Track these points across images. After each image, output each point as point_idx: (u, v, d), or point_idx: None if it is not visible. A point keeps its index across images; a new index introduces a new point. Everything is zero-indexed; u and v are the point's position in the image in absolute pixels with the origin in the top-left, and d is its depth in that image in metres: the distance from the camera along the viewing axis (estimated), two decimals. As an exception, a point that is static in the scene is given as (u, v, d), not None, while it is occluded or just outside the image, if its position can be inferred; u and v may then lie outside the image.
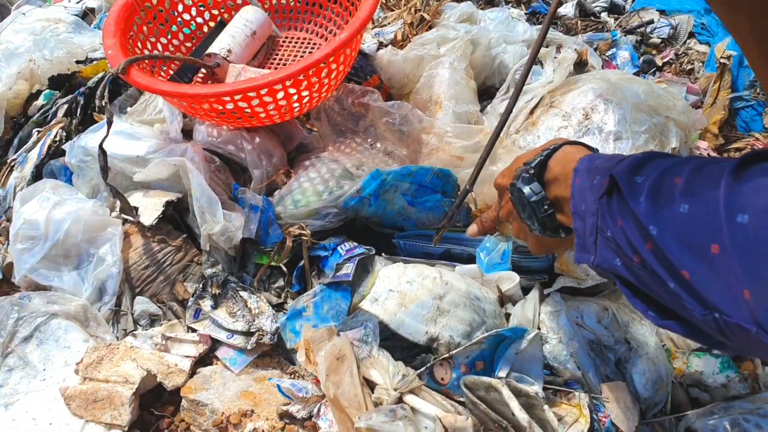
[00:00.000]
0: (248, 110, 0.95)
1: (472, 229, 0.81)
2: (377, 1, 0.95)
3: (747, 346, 0.40)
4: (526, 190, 0.61)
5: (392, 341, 0.77)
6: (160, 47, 1.13)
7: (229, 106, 0.93)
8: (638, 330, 0.82)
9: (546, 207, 0.61)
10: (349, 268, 0.93)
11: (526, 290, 0.88)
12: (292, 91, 0.94)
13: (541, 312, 0.84)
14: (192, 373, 0.87)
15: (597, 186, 0.51)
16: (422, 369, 0.73)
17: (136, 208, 1.02)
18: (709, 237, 0.39)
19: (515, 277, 0.86)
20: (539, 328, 0.82)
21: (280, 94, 0.93)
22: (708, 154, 1.25)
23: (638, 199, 0.45)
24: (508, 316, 0.84)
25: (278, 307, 0.97)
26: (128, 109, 1.21)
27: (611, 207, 0.49)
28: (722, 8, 0.52)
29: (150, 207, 1.02)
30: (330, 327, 0.75)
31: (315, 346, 0.72)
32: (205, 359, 0.92)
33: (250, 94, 0.90)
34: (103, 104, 0.82)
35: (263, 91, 0.91)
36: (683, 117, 1.13)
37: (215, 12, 1.21)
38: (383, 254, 0.98)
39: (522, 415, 0.60)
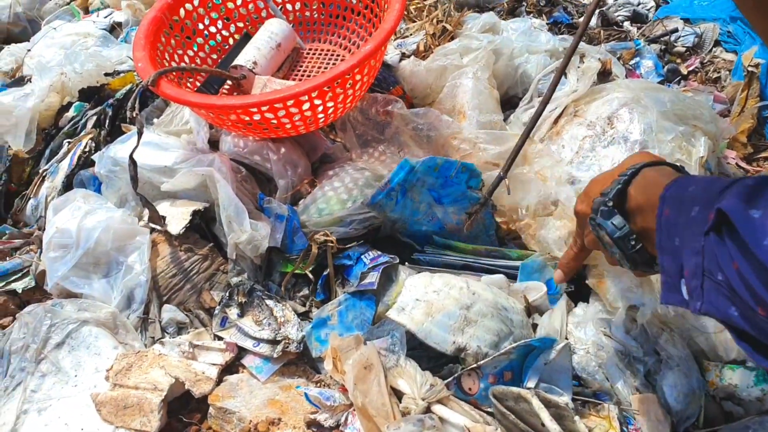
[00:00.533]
0: (274, 121, 0.96)
1: (558, 276, 0.74)
2: (402, 13, 0.96)
3: None
4: (609, 226, 0.56)
5: (419, 351, 0.77)
6: (187, 60, 1.15)
7: (256, 117, 0.95)
8: (668, 341, 0.81)
9: (633, 242, 0.55)
10: (373, 277, 0.94)
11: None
12: (317, 102, 0.95)
13: (569, 323, 0.83)
14: (219, 381, 0.88)
15: (698, 220, 0.44)
16: (450, 379, 0.72)
17: (164, 218, 1.04)
18: None
19: (542, 288, 0.85)
20: (567, 339, 0.82)
21: (306, 105, 0.94)
22: (736, 164, 1.23)
23: (762, 243, 0.37)
24: (535, 326, 0.83)
25: (303, 316, 0.97)
26: (155, 120, 1.23)
27: (723, 246, 0.41)
28: (754, 13, 0.49)
29: (177, 216, 1.04)
30: (357, 335, 0.76)
31: (343, 354, 0.72)
32: (231, 367, 0.93)
33: (276, 105, 0.91)
34: (135, 115, 0.84)
35: (289, 103, 0.92)
36: (711, 126, 1.12)
37: (240, 25, 1.23)
38: (407, 263, 0.98)
39: (553, 426, 0.60)
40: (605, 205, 0.57)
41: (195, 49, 1.18)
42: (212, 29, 1.20)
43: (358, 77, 0.97)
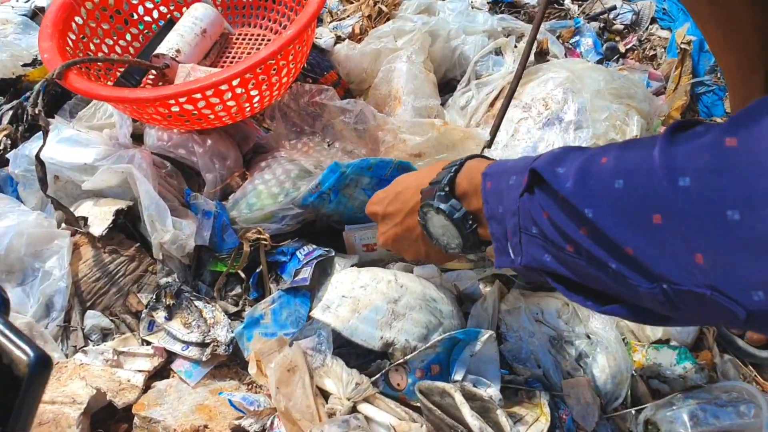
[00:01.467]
0: (195, 112, 0.92)
1: None
2: (325, -4, 0.92)
3: (698, 315, 0.40)
4: (446, 207, 0.58)
5: (347, 348, 0.75)
6: (105, 49, 1.09)
7: (175, 109, 0.90)
8: (598, 324, 0.81)
9: (470, 222, 0.58)
10: (306, 273, 0.91)
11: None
12: (239, 90, 0.90)
13: (501, 310, 0.82)
14: (147, 387, 0.84)
15: (515, 185, 0.50)
16: (377, 376, 0.71)
17: (86, 219, 0.98)
18: (649, 208, 0.38)
19: (473, 276, 0.84)
20: (498, 327, 0.81)
21: (228, 95, 0.90)
22: (671, 141, 1.23)
23: (565, 185, 0.44)
24: (467, 315, 0.82)
25: (236, 316, 0.94)
26: (79, 113, 1.16)
27: (534, 202, 0.47)
28: (709, 24, 0.53)
29: (100, 216, 0.99)
30: (280, 338, 0.73)
31: (264, 358, 0.69)
32: (162, 372, 0.89)
33: (195, 95, 0.87)
34: (36, 112, 0.78)
35: (209, 92, 0.87)
36: (644, 104, 1.12)
37: (164, 10, 1.17)
38: (344, 254, 0.96)
39: (474, 422, 0.58)
40: (441, 190, 0.59)
41: (114, 37, 1.11)
42: (134, 15, 1.14)
43: (283, 63, 0.93)
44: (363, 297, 0.74)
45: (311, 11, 0.90)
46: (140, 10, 1.14)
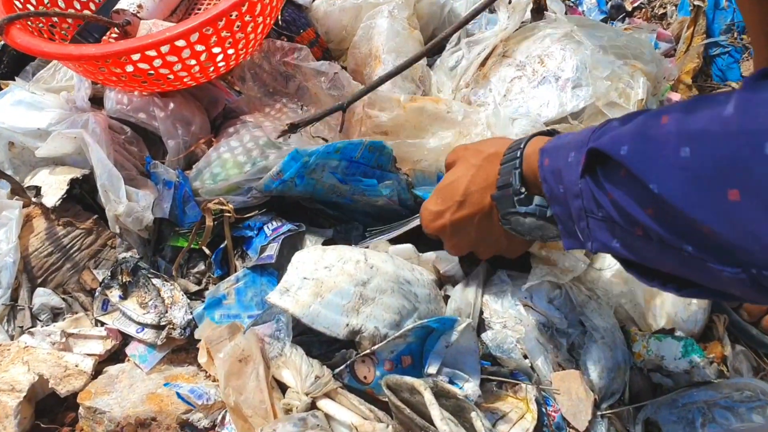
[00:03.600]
0: (151, 72, 0.83)
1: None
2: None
3: None
4: (534, 209, 0.57)
5: (310, 336, 0.68)
6: (62, 4, 0.99)
7: (129, 68, 0.81)
8: (595, 310, 0.73)
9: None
10: (273, 249, 0.83)
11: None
12: (199, 48, 0.81)
13: (485, 293, 0.74)
14: (97, 373, 0.77)
15: (573, 163, 0.46)
16: (342, 367, 0.63)
17: (39, 188, 0.90)
18: (724, 181, 0.32)
19: (454, 257, 0.75)
20: (482, 312, 0.73)
21: (186, 52, 0.80)
22: (681, 107, 1.13)
23: (619, 151, 0.39)
24: (447, 298, 0.74)
25: (198, 295, 0.86)
26: (37, 75, 1.08)
27: (598, 182, 0.43)
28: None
29: (54, 186, 0.91)
30: (233, 323, 0.65)
31: (213, 347, 0.62)
32: (119, 356, 0.82)
33: (149, 53, 0.78)
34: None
35: (164, 49, 0.78)
36: (652, 66, 1.02)
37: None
38: (317, 228, 0.88)
39: (443, 427, 0.51)
40: (518, 193, 0.57)
41: (71, -10, 1.02)
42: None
43: (248, 18, 0.84)
44: (327, 279, 0.66)
45: (278, -43, 0.80)
46: (100, -40, 1.04)
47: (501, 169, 0.59)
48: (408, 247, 0.76)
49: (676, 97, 1.14)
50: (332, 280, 0.66)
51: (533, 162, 0.55)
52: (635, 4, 1.24)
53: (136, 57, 0.79)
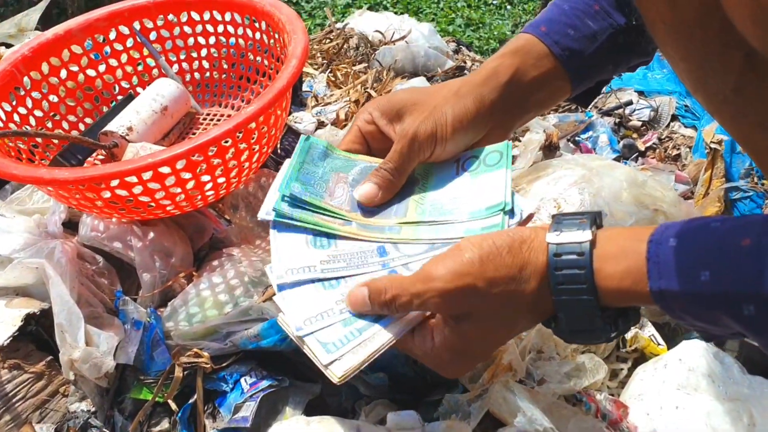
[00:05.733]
0: (130, 199, 0.75)
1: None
2: (297, 72, 0.78)
3: None
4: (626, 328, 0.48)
5: None
6: (50, 124, 0.94)
7: (106, 194, 0.73)
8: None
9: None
10: (248, 410, 0.70)
11: None
12: (186, 176, 0.74)
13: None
14: None
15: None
16: None
17: (-11, 323, 0.79)
18: None
19: (466, 428, 0.63)
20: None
21: (171, 180, 0.73)
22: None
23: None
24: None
25: (158, 461, 0.72)
26: (11, 195, 1.00)
27: None
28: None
29: (6, 322, 0.80)
30: None
31: None
32: None
33: (128, 179, 0.71)
34: None
35: (146, 176, 0.71)
36: (674, 209, 0.95)
37: (126, 85, 1.04)
38: (302, 382, 0.76)
39: None
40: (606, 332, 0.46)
41: (63, 111, 0.97)
42: (90, 90, 1.00)
43: (243, 146, 0.78)
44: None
45: (279, 87, 0.75)
46: (98, 84, 1.01)
47: (558, 306, 0.46)
48: (410, 416, 0.63)
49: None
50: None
51: (624, 287, 0.43)
52: (647, 144, 1.21)
53: (114, 183, 0.71)
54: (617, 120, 1.28)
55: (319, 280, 0.59)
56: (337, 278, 0.59)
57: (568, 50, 0.62)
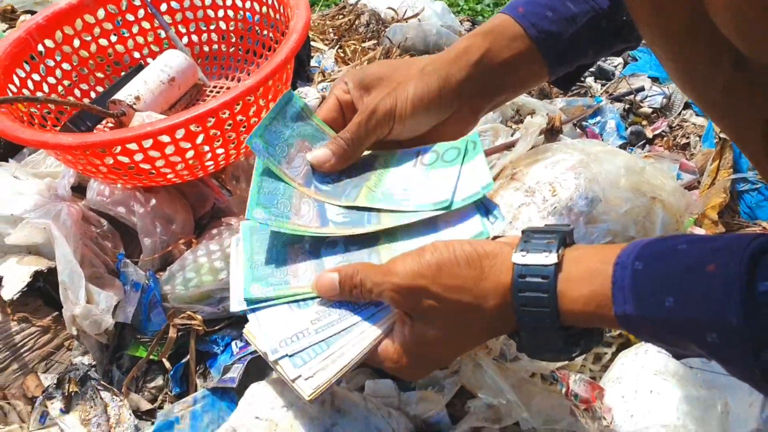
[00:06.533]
0: (132, 166, 0.78)
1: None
2: (297, 47, 0.80)
3: None
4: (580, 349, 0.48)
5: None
6: (62, 91, 0.98)
7: (108, 160, 0.76)
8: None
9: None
10: (236, 371, 0.74)
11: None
12: (186, 145, 0.77)
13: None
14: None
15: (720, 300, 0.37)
16: None
17: (1, 278, 0.84)
18: None
19: (440, 399, 0.65)
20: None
21: (170, 148, 0.76)
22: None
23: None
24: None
25: (152, 414, 0.76)
26: (27, 158, 1.05)
27: None
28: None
29: (16, 277, 0.84)
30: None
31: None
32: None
33: (129, 146, 0.73)
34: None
35: (147, 144, 0.74)
36: (673, 198, 0.95)
37: (137, 56, 1.06)
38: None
39: None
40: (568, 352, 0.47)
41: (75, 79, 1.00)
42: (101, 59, 1.03)
43: (241, 118, 0.80)
44: (283, 421, 0.56)
45: (277, 61, 0.77)
46: (110, 53, 1.03)
47: (521, 326, 0.47)
48: (387, 384, 0.66)
49: (700, 231, 1.06)
50: (289, 423, 0.56)
51: (585, 309, 0.43)
52: (656, 132, 1.20)
53: (116, 150, 0.74)
54: (627, 106, 1.27)
55: (295, 301, 0.56)
56: (330, 325, 0.54)
57: (544, 33, 0.60)
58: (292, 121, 0.64)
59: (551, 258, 0.44)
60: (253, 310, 0.56)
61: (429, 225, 0.59)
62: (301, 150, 0.64)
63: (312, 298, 0.56)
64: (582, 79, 1.35)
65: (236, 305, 0.58)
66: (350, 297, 0.54)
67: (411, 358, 0.51)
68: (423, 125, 0.63)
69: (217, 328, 0.79)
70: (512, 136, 1.04)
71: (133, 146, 0.74)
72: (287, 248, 0.60)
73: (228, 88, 1.07)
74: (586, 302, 0.43)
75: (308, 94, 1.07)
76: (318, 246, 0.60)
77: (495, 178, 0.95)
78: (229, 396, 0.74)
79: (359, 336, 0.53)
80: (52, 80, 0.96)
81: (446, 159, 0.63)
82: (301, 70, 1.13)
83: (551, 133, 1.01)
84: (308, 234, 0.58)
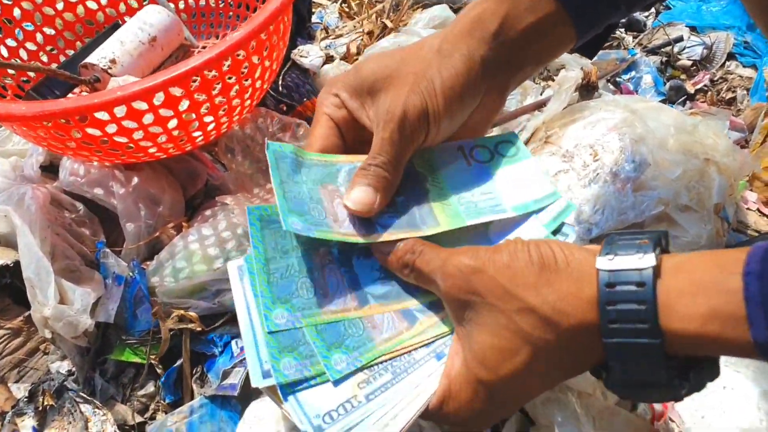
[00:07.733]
0: (105, 140, 0.66)
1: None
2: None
3: None
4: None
5: None
6: (24, 55, 0.85)
7: (76, 134, 0.64)
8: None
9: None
10: (237, 376, 0.63)
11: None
12: (166, 113, 0.64)
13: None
14: None
15: None
16: None
17: (-37, 274, 0.73)
18: None
19: None
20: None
21: (149, 117, 0.64)
22: (758, 210, 0.94)
23: None
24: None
25: (141, 428, 0.66)
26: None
27: None
28: None
29: (-20, 273, 0.73)
30: None
31: None
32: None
33: (98, 114, 0.61)
34: None
35: (119, 112, 0.62)
36: (728, 159, 0.83)
37: (112, 13, 0.93)
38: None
39: None
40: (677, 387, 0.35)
41: (41, 41, 0.88)
42: (68, 16, 0.90)
43: (231, 79, 0.67)
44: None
45: (270, 10, 0.64)
46: (80, 10, 0.90)
47: (608, 350, 0.36)
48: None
49: (752, 197, 0.94)
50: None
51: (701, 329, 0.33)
52: (698, 86, 1.07)
53: (84, 120, 0.62)
54: (664, 59, 1.13)
55: None
56: (383, 388, 0.42)
57: None
58: (295, 173, 0.48)
59: (647, 260, 0.34)
60: (287, 393, 0.41)
61: (481, 235, 0.49)
62: (333, 197, 0.48)
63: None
64: (613, 31, 1.21)
65: (257, 381, 0.42)
66: (399, 265, 0.44)
67: (468, 397, 0.40)
68: (457, 120, 0.49)
69: (214, 326, 0.69)
70: (541, 94, 0.92)
71: (103, 115, 0.62)
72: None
73: (217, 48, 0.94)
74: (704, 322, 0.32)
75: (310, 53, 0.94)
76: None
77: (527, 142, 0.83)
78: (231, 405, 0.64)
79: (414, 391, 0.42)
80: (31, 46, 0.84)
81: (507, 154, 0.52)
82: (302, 27, 1.00)
83: (587, 89, 0.89)
84: (360, 243, 0.46)
